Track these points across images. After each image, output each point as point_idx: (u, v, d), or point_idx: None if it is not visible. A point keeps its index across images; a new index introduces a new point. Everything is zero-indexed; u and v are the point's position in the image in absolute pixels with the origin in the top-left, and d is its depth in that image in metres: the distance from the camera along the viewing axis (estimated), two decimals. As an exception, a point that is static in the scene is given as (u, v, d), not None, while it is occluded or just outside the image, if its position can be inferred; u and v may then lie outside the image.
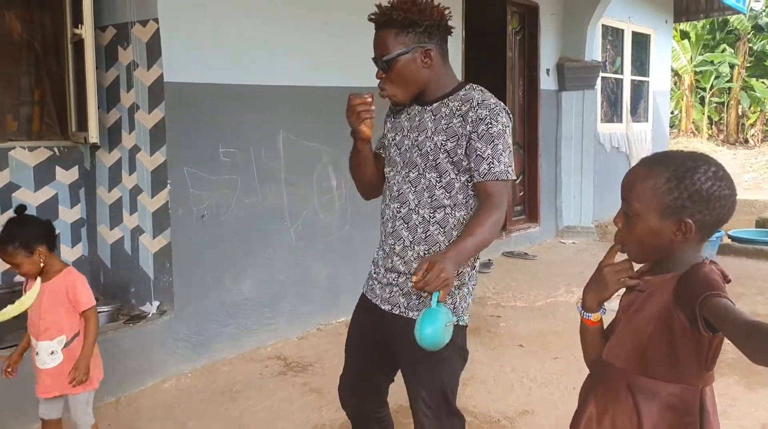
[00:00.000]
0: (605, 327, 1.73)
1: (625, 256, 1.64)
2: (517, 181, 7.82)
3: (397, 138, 2.32)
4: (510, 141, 2.17)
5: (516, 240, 7.59)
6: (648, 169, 1.55)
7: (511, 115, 2.21)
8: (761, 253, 7.38)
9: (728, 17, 15.86)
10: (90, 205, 4.52)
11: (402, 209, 2.25)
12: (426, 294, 1.98)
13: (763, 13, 17.55)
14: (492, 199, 2.10)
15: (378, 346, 2.35)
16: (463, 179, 2.18)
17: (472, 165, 2.14)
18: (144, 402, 3.80)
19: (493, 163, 2.11)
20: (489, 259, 6.86)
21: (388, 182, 2.34)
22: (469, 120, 2.13)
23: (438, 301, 1.94)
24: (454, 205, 2.19)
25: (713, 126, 19.02)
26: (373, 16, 2.20)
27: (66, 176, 4.42)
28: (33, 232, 2.72)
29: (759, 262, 7.21)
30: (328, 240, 5.05)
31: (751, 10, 16.99)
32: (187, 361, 4.19)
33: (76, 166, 4.48)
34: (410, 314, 2.22)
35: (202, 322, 4.28)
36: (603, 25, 8.88)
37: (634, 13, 9.69)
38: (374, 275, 2.38)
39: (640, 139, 10.14)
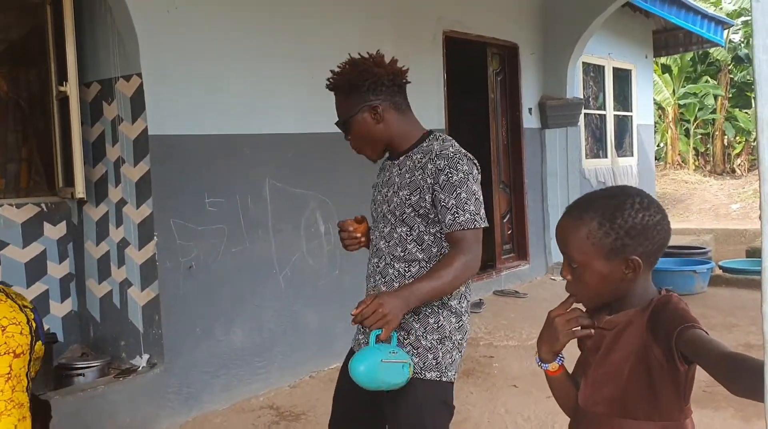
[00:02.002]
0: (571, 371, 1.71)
1: (578, 305, 1.61)
2: (505, 220, 7.86)
3: (374, 194, 2.38)
4: (475, 188, 2.16)
5: (506, 278, 7.59)
6: (576, 219, 1.54)
7: (475, 162, 2.22)
8: (753, 283, 7.33)
9: (708, 50, 16.10)
10: (78, 259, 4.52)
11: (380, 264, 2.28)
12: (368, 330, 2.00)
13: (743, 45, 17.83)
14: (459, 245, 2.11)
15: (364, 400, 2.29)
16: (433, 231, 2.19)
17: (440, 216, 2.15)
18: (135, 458, 3.76)
19: (458, 213, 2.11)
20: (480, 299, 6.85)
21: (370, 238, 2.39)
22: (429, 172, 2.15)
23: (378, 339, 1.95)
24: (429, 258, 2.20)
25: (699, 157, 19.15)
26: (326, 83, 2.26)
27: (54, 232, 4.43)
28: None
29: (751, 292, 7.14)
30: (317, 285, 5.05)
31: (730, 41, 17.27)
32: (178, 415, 4.15)
33: (64, 221, 4.49)
34: None
35: (192, 374, 4.25)
36: (584, 62, 9.02)
37: (614, 49, 9.86)
38: (361, 329, 2.36)
39: (626, 173, 10.24)
